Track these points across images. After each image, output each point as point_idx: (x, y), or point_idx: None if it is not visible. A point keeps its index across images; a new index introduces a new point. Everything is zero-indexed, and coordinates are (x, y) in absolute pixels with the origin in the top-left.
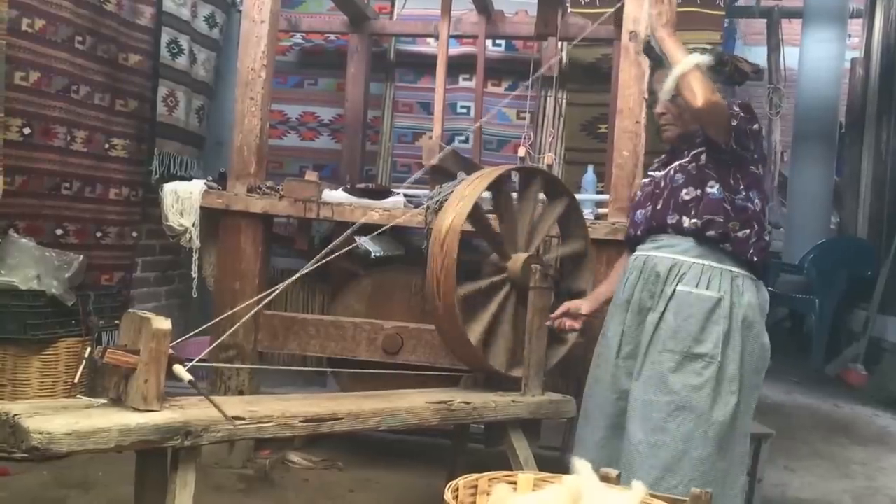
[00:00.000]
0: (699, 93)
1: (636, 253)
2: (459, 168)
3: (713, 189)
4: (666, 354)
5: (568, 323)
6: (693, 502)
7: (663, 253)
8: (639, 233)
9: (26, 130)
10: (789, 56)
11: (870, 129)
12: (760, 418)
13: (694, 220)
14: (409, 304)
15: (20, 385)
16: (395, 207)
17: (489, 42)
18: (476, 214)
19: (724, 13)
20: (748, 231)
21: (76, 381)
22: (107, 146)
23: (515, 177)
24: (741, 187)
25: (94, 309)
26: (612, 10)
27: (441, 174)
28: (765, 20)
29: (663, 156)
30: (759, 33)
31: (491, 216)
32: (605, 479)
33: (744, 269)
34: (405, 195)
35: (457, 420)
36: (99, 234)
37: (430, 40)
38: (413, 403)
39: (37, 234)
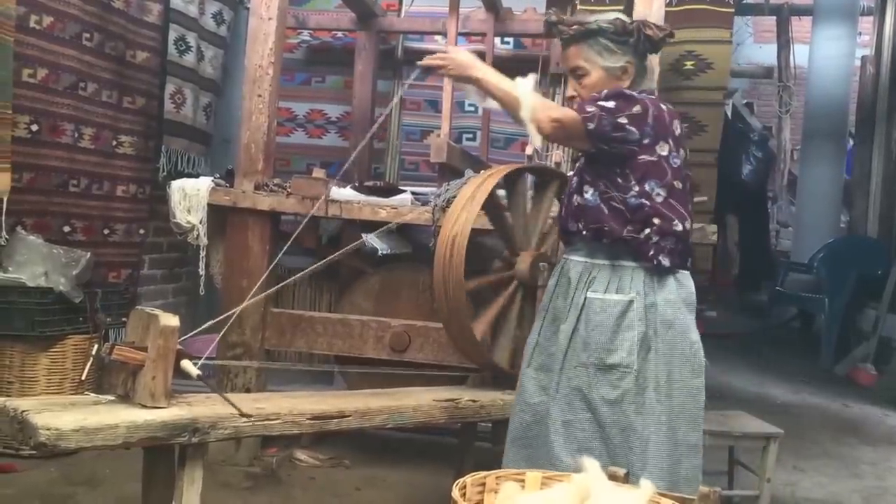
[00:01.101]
0: (539, 123)
1: (563, 257)
2: (467, 166)
3: (588, 195)
4: (580, 369)
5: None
6: (701, 501)
7: (577, 257)
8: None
9: (34, 127)
10: (799, 54)
11: (880, 127)
12: (769, 418)
13: (584, 229)
14: (416, 302)
15: (28, 382)
16: (402, 205)
17: (497, 40)
18: (489, 209)
19: (733, 10)
20: (648, 230)
21: (83, 378)
22: (114, 143)
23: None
24: (632, 183)
25: (102, 306)
26: (621, 7)
27: (448, 172)
28: (774, 17)
29: None
30: (769, 31)
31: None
32: (612, 477)
33: (657, 265)
34: (412, 193)
35: (464, 418)
36: (106, 232)
37: (439, 38)
38: (420, 401)
39: (44, 230)
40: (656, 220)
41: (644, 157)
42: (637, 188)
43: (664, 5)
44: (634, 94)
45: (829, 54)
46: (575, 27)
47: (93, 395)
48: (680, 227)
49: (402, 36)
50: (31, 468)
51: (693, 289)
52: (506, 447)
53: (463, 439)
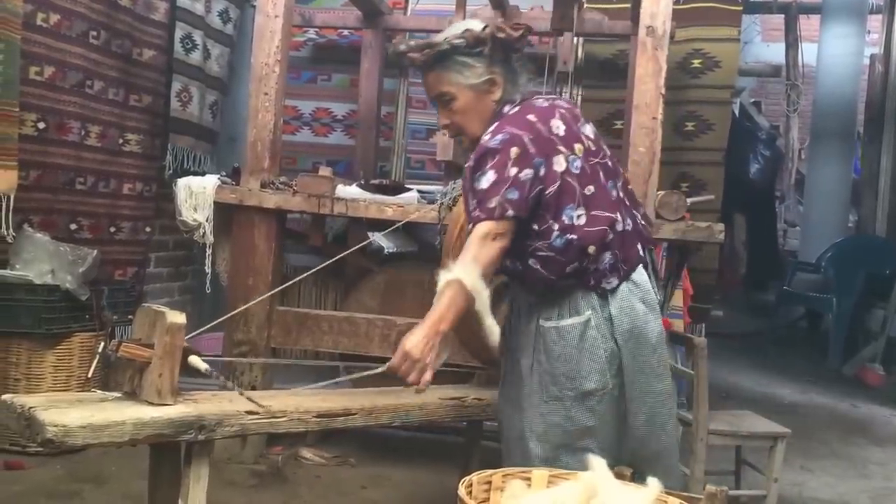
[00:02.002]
0: (488, 261)
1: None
2: None
3: (508, 263)
4: (554, 404)
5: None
6: (708, 500)
7: (518, 285)
8: None
9: (41, 125)
10: (807, 52)
11: (889, 125)
12: (776, 418)
13: (523, 280)
14: (422, 301)
15: (34, 379)
16: (408, 204)
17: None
18: None
19: (741, 8)
20: (584, 262)
21: (90, 375)
22: (121, 141)
23: None
24: (550, 223)
25: (108, 304)
26: (628, 5)
27: (455, 170)
28: (783, 16)
29: None
30: (777, 29)
31: None
32: (619, 476)
33: (598, 280)
34: (419, 191)
35: (470, 416)
36: (112, 229)
37: None
38: (426, 400)
39: (51, 228)
40: (590, 249)
41: (549, 189)
42: (556, 225)
43: (672, 3)
44: (496, 139)
45: (837, 53)
46: (425, 52)
47: (99, 392)
48: (611, 234)
49: (408, 34)
50: (37, 465)
51: (648, 283)
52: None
53: (469, 438)
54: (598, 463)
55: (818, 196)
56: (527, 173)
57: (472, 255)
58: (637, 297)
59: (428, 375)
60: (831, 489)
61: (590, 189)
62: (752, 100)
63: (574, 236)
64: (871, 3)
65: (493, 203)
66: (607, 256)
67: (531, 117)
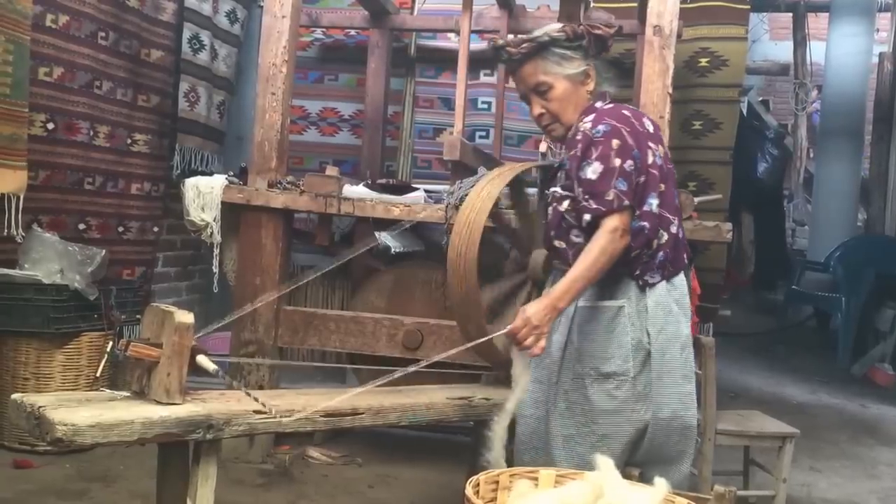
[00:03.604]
0: (615, 251)
1: (553, 265)
2: (480, 163)
3: (579, 240)
4: (576, 381)
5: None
6: (717, 500)
7: (560, 264)
8: (546, 244)
9: (50, 125)
10: (815, 51)
11: None
12: (785, 418)
13: (573, 257)
14: (429, 300)
15: (43, 378)
16: (415, 203)
17: (511, 37)
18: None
19: (748, 7)
20: (641, 250)
21: (98, 374)
22: (129, 141)
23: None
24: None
25: (116, 303)
26: (635, 4)
27: (462, 169)
28: (791, 14)
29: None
30: (785, 27)
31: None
32: (627, 476)
33: (644, 272)
34: (425, 191)
35: (477, 416)
36: (121, 229)
37: (452, 35)
38: (433, 399)
39: (60, 228)
40: (654, 242)
41: (640, 178)
42: (637, 211)
43: (679, 2)
44: (598, 129)
45: (845, 51)
46: (526, 44)
47: (108, 391)
48: (666, 237)
49: (414, 34)
50: (46, 464)
51: (686, 290)
52: (515, 456)
53: (476, 437)
54: (604, 462)
55: (826, 195)
56: (629, 164)
57: (601, 246)
58: (673, 298)
59: (543, 343)
60: (840, 490)
61: (661, 187)
62: (760, 98)
63: (646, 223)
64: (880, 2)
65: (610, 195)
66: (660, 254)
67: (626, 112)
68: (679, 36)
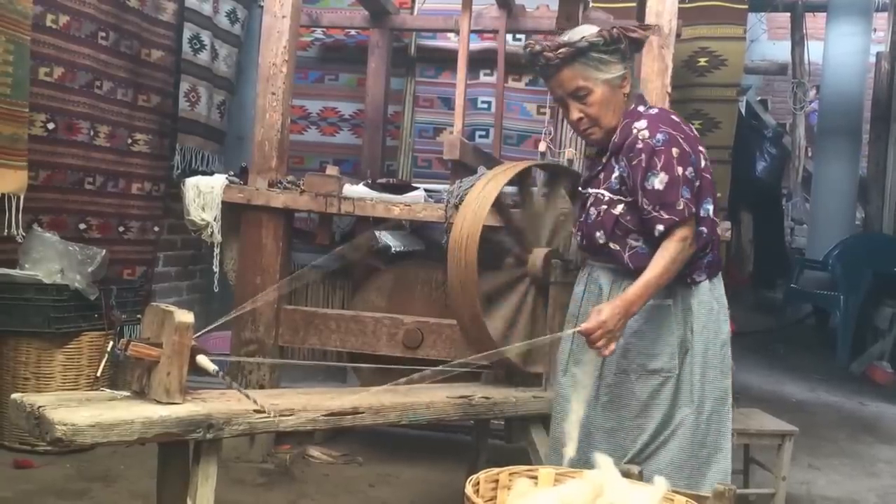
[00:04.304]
0: (681, 259)
1: (587, 261)
2: (479, 163)
3: (638, 244)
4: (621, 376)
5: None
6: (716, 499)
7: (607, 263)
8: (584, 242)
9: (50, 125)
10: (813, 50)
11: None
12: (784, 416)
13: (628, 260)
14: (429, 299)
15: (44, 378)
16: (415, 202)
17: (510, 37)
18: (499, 207)
19: (746, 7)
20: (699, 254)
21: (99, 374)
22: (129, 141)
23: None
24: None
25: (116, 303)
26: (634, 4)
27: (461, 169)
28: (789, 14)
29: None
30: (783, 27)
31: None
32: (626, 474)
33: (692, 271)
34: (425, 190)
35: (477, 415)
36: (121, 229)
37: (451, 35)
38: (433, 398)
39: (60, 228)
40: (709, 245)
41: (697, 183)
42: (691, 214)
43: (677, 2)
44: (657, 137)
45: (843, 51)
46: (564, 49)
47: (108, 391)
48: (715, 237)
49: (414, 33)
50: (46, 464)
51: (723, 291)
52: (549, 451)
53: (476, 436)
54: (604, 461)
55: (825, 194)
56: (689, 171)
57: (672, 256)
58: (714, 297)
59: (613, 346)
60: (839, 487)
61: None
62: (759, 98)
63: (705, 228)
64: (877, 1)
65: (680, 205)
66: (708, 255)
67: (675, 118)
68: (678, 35)
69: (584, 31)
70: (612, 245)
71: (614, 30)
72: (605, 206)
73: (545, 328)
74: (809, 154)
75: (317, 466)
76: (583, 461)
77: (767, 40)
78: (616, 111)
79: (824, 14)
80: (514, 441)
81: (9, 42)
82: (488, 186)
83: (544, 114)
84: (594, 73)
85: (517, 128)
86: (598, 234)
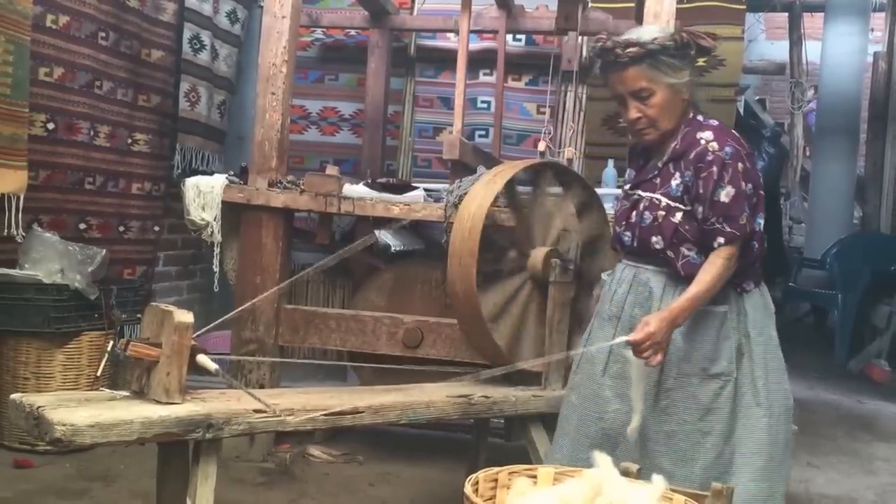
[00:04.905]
0: (725, 275)
1: (624, 262)
2: (479, 162)
3: (691, 254)
4: (682, 380)
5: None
6: (714, 497)
7: (653, 266)
8: (634, 244)
9: (50, 126)
10: (811, 50)
11: (893, 122)
12: None
13: (682, 267)
14: (429, 299)
15: (44, 378)
16: (415, 202)
17: (509, 37)
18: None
19: (744, 7)
20: (750, 264)
21: (99, 374)
22: (129, 141)
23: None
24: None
25: (117, 303)
26: (632, 4)
27: (461, 168)
28: (787, 14)
29: (637, 158)
30: (781, 27)
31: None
32: (625, 473)
33: (742, 280)
34: (425, 189)
35: (477, 414)
36: (121, 229)
37: (451, 35)
38: (433, 397)
39: (60, 228)
40: (759, 257)
41: (753, 199)
42: (751, 230)
43: (675, 2)
44: (726, 150)
45: (841, 51)
46: (634, 49)
47: (108, 391)
48: (763, 249)
49: (414, 33)
50: (46, 464)
51: (769, 296)
52: (571, 451)
53: (476, 435)
54: (603, 460)
55: (823, 193)
56: (749, 187)
57: (719, 273)
58: (764, 302)
59: (660, 357)
60: (837, 485)
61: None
62: (757, 97)
63: (756, 243)
64: (874, 2)
65: (742, 220)
66: (757, 266)
67: (735, 133)
68: None
69: (656, 33)
70: (668, 252)
71: (685, 35)
72: (662, 213)
73: (543, 327)
74: (807, 153)
75: (317, 465)
76: (630, 459)
77: (765, 40)
78: (674, 116)
79: (822, 14)
80: (513, 440)
81: (9, 42)
82: (488, 186)
83: (544, 113)
84: (660, 75)
85: (517, 127)
86: (654, 239)
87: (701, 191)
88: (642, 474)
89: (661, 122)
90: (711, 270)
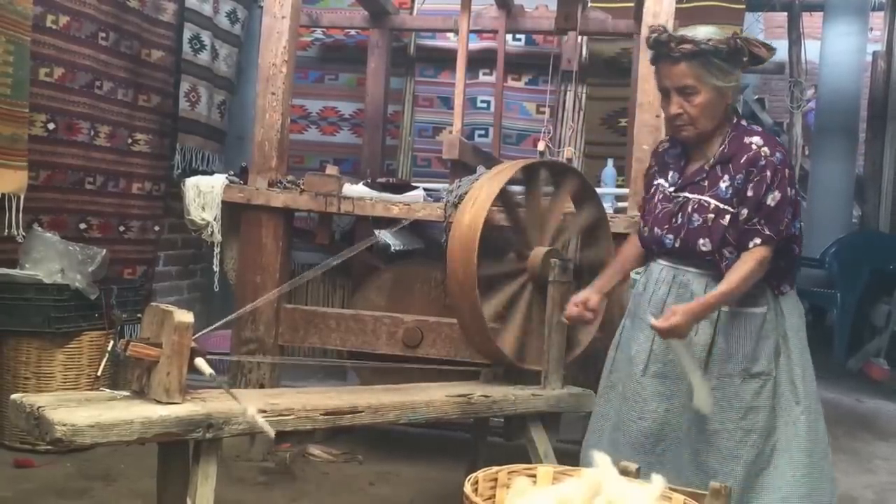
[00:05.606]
0: (755, 277)
1: (661, 263)
2: (479, 162)
3: (732, 256)
4: (725, 380)
5: (588, 315)
6: (713, 496)
7: (692, 268)
8: (676, 245)
9: (50, 126)
10: (811, 50)
11: (892, 122)
12: None
13: (725, 268)
14: (428, 298)
15: (44, 378)
16: (414, 202)
17: (509, 37)
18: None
19: (744, 7)
20: (789, 266)
21: (99, 374)
22: (129, 141)
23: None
24: (787, 236)
25: (117, 303)
26: (631, 4)
27: (461, 168)
28: (786, 13)
29: (678, 160)
30: (780, 27)
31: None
32: (624, 472)
33: (780, 283)
34: (425, 189)
35: (476, 413)
36: (122, 229)
37: (450, 35)
38: (433, 397)
39: (60, 228)
40: (796, 260)
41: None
42: (788, 234)
43: (675, 2)
44: (776, 156)
45: (840, 50)
46: (688, 46)
47: (108, 391)
48: (800, 252)
49: (414, 33)
50: (47, 463)
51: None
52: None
53: (475, 435)
54: (602, 459)
55: (822, 192)
56: (792, 193)
57: (751, 274)
58: (798, 303)
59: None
60: (837, 484)
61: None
62: (756, 97)
63: (796, 246)
64: (873, 1)
65: (783, 224)
66: (794, 270)
67: (779, 139)
68: None
69: (712, 34)
70: (716, 255)
71: (740, 41)
72: (712, 216)
73: (542, 326)
74: (806, 153)
75: (317, 465)
76: (675, 458)
77: (764, 39)
78: (714, 117)
79: (821, 13)
80: (513, 439)
81: (9, 42)
82: (488, 185)
83: (543, 113)
84: (708, 76)
85: (516, 127)
86: (701, 241)
87: (750, 193)
88: (664, 471)
89: (700, 121)
90: (743, 270)
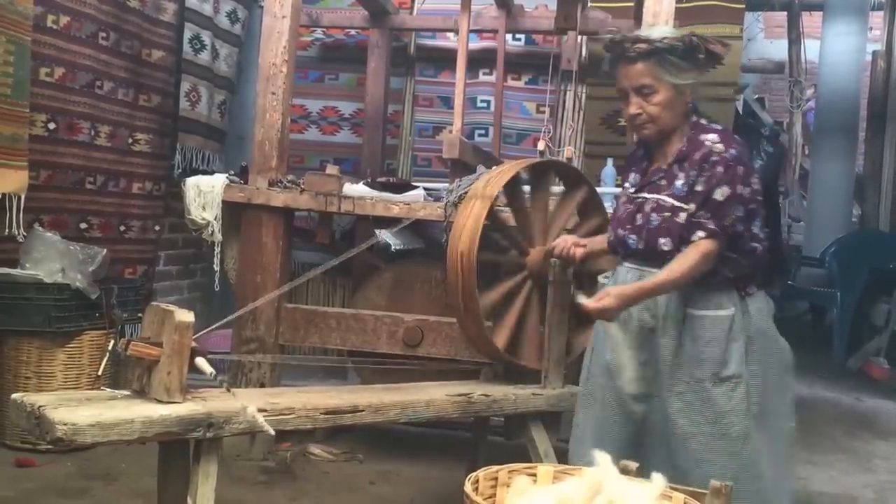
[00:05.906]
0: (699, 269)
1: (627, 266)
2: (479, 161)
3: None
4: (694, 384)
5: (573, 250)
6: (713, 495)
7: (659, 269)
8: (640, 246)
9: (51, 125)
10: (810, 49)
11: (892, 121)
12: None
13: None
14: (429, 297)
15: (45, 377)
16: (415, 201)
17: (509, 36)
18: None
19: (743, 6)
20: (754, 268)
21: (100, 373)
22: (130, 141)
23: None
24: (742, 231)
25: (117, 302)
26: (631, 3)
27: (461, 167)
28: (785, 13)
29: (640, 161)
30: (780, 26)
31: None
32: (624, 471)
33: (746, 284)
34: (425, 189)
35: (476, 412)
36: (122, 228)
37: (450, 35)
38: (433, 396)
39: (61, 227)
40: (760, 259)
41: (750, 205)
42: (747, 234)
43: (674, 2)
44: (731, 152)
45: (840, 49)
46: (643, 45)
47: (109, 390)
48: (765, 253)
49: (414, 33)
50: (48, 463)
51: (771, 300)
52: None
53: (476, 434)
54: (602, 458)
55: (822, 191)
56: (746, 191)
57: (694, 266)
58: (767, 303)
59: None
60: (836, 483)
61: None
62: (756, 96)
63: (758, 245)
64: (873, 1)
65: (727, 220)
66: (761, 271)
67: (738, 138)
68: None
69: (666, 33)
70: (676, 254)
71: (695, 39)
72: (668, 214)
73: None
74: (806, 152)
75: (317, 464)
76: (655, 460)
77: (764, 39)
78: (674, 116)
79: (821, 13)
80: (513, 438)
81: (9, 42)
82: (488, 186)
83: (543, 112)
84: (665, 74)
85: (516, 127)
86: (662, 241)
87: (699, 188)
88: (648, 473)
89: (660, 120)
90: (684, 261)
